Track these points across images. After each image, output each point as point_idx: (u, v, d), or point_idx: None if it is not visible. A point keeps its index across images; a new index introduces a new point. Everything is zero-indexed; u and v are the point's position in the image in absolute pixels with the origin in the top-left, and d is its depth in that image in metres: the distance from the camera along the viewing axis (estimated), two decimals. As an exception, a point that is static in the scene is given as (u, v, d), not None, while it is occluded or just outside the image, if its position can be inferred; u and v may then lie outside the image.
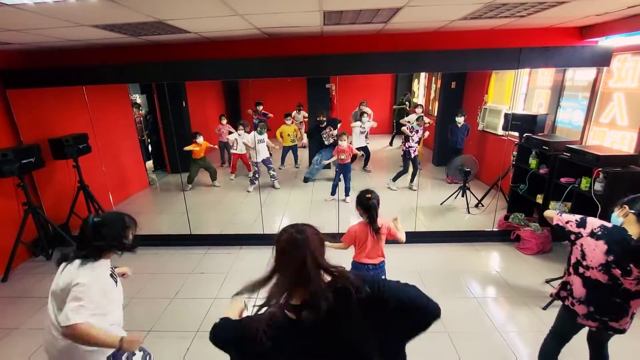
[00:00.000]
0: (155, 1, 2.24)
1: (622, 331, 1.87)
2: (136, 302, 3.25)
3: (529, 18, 3.19)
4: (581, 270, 1.86)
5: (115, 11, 2.39)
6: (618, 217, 1.90)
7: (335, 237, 4.27)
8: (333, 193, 5.56)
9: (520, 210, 4.37)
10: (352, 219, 4.94)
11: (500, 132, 5.53)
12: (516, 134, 4.61)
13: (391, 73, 9.56)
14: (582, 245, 1.83)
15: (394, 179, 5.99)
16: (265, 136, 6.02)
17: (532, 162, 4.17)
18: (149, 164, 7.51)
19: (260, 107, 7.88)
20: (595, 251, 1.77)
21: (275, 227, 4.70)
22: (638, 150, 3.31)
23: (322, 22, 3.16)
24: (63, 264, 1.66)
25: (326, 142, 6.49)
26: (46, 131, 4.27)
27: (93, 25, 2.81)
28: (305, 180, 6.57)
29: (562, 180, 3.67)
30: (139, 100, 7.46)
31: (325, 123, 6.53)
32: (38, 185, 4.19)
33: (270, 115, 7.92)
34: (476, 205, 5.14)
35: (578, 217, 1.91)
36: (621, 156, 3.26)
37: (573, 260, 1.90)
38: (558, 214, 2.01)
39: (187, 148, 5.99)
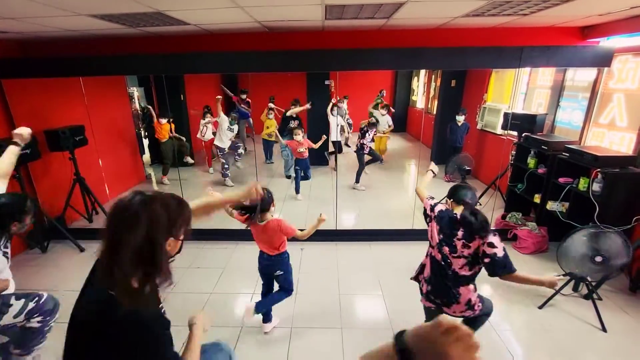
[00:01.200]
0: (155, -9, 2.20)
1: (469, 321, 2.06)
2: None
3: (531, 17, 3.17)
4: (429, 250, 2.12)
5: (115, 0, 2.35)
6: (452, 208, 2.10)
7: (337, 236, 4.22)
8: (297, 191, 5.49)
9: (518, 209, 4.38)
10: (346, 215, 4.94)
11: (499, 131, 5.53)
12: (515, 133, 4.61)
13: (392, 69, 9.51)
14: (431, 227, 2.07)
15: (357, 180, 5.98)
16: (235, 128, 6.03)
17: (531, 161, 4.17)
18: (146, 157, 7.46)
19: (244, 96, 7.75)
20: (433, 231, 2.04)
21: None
22: (637, 151, 3.32)
23: (324, 17, 3.13)
24: None
25: (291, 125, 6.29)
26: (42, 122, 4.21)
27: (91, 15, 2.76)
28: (288, 177, 6.50)
29: (560, 180, 3.67)
30: (136, 94, 7.39)
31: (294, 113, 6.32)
32: (34, 177, 4.14)
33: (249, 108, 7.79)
34: (474, 204, 5.15)
35: (434, 201, 2.17)
36: (620, 157, 3.27)
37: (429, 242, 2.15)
38: (427, 199, 2.27)
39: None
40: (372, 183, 6.20)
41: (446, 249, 1.96)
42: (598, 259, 2.68)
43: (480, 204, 5.10)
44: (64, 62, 3.77)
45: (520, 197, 4.37)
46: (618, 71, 3.58)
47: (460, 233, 1.93)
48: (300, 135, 5.18)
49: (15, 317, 1.98)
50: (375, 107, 6.99)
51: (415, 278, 2.33)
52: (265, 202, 2.32)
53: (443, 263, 1.98)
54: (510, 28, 3.80)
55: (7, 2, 2.30)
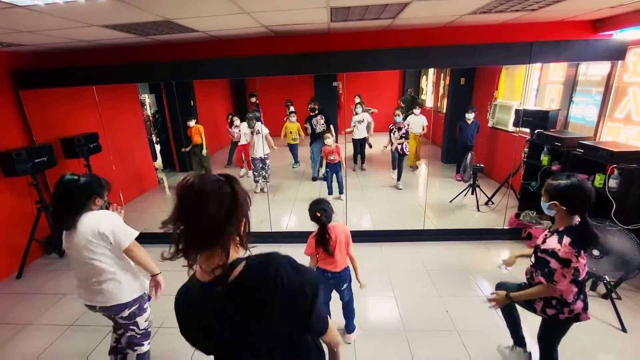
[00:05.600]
0: (164, 0, 2.25)
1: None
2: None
3: (540, 11, 3.12)
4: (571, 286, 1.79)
5: (124, 11, 2.41)
6: (552, 210, 1.80)
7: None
8: (330, 192, 5.52)
9: (532, 208, 4.29)
10: (356, 217, 4.93)
11: (510, 128, 5.44)
12: (527, 130, 4.53)
13: (399, 69, 9.46)
14: (577, 267, 1.73)
15: (398, 179, 5.98)
16: (257, 128, 5.66)
17: (544, 158, 4.09)
18: (158, 162, 7.60)
19: (254, 99, 7.78)
20: (583, 260, 1.71)
21: (282, 225, 4.71)
22: (655, 145, 3.22)
23: (329, 19, 3.14)
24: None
25: (317, 130, 6.17)
26: (58, 131, 4.35)
27: (102, 26, 2.84)
28: (314, 179, 6.53)
29: (575, 177, 3.59)
30: (148, 101, 7.54)
31: (317, 111, 6.17)
32: (50, 184, 4.26)
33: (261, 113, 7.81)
34: (486, 203, 5.08)
35: (571, 268, 1.71)
36: (637, 152, 3.17)
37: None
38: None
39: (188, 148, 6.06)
40: (381, 184, 6.17)
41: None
42: (595, 252, 2.61)
43: (493, 203, 5.03)
44: (78, 72, 3.88)
45: (534, 195, 4.27)
46: (633, 64, 3.48)
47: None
48: (330, 140, 5.13)
49: (145, 321, 2.12)
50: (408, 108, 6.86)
51: (557, 319, 1.90)
52: (329, 213, 2.25)
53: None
54: (519, 24, 3.75)
55: (22, 16, 2.38)
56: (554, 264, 1.72)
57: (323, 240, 2.26)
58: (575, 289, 1.80)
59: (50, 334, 2.85)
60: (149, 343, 2.18)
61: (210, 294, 0.94)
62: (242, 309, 0.94)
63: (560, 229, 1.77)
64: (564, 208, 1.73)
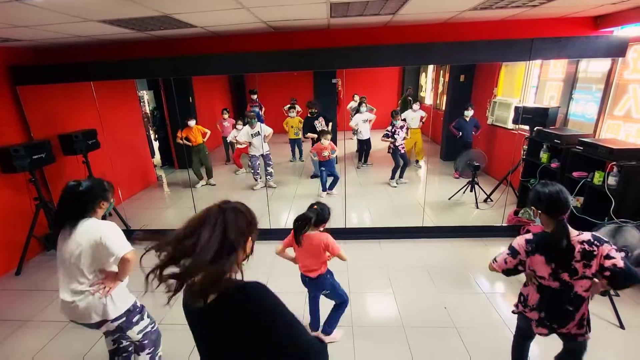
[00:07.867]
0: (161, -5, 2.23)
1: (580, 341, 1.92)
2: (145, 295, 3.28)
3: (541, 8, 3.11)
4: (530, 280, 1.89)
5: (122, 5, 2.39)
6: (536, 217, 1.89)
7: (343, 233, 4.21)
8: (324, 189, 5.56)
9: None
10: (355, 214, 4.93)
11: (510, 125, 5.43)
12: (527, 127, 4.52)
13: (399, 66, 9.43)
14: (529, 266, 1.83)
15: (392, 177, 5.99)
16: (259, 129, 5.64)
17: (543, 156, 4.09)
18: (157, 159, 7.58)
19: (255, 96, 7.76)
20: (539, 264, 1.78)
21: (281, 222, 4.71)
22: (654, 143, 3.22)
23: (329, 15, 3.12)
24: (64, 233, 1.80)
25: (319, 128, 6.14)
26: (56, 127, 4.32)
27: (100, 21, 2.82)
28: (313, 176, 6.53)
29: (575, 174, 3.59)
30: (146, 97, 7.51)
31: (316, 114, 6.18)
32: (49, 180, 4.25)
33: (263, 109, 7.76)
34: (485, 200, 5.08)
35: (505, 250, 1.88)
36: (636, 149, 3.17)
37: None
38: (492, 262, 1.92)
39: (178, 137, 5.94)
40: (381, 180, 6.17)
41: (565, 275, 1.73)
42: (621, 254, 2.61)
43: (492, 200, 5.04)
44: (76, 67, 3.85)
45: (533, 193, 4.28)
46: (633, 61, 3.47)
47: (578, 254, 1.69)
48: (327, 141, 5.20)
49: (138, 333, 2.05)
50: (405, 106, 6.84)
51: (519, 312, 2.03)
52: (320, 216, 2.18)
53: (562, 288, 1.76)
54: (519, 20, 3.73)
55: (19, 10, 2.36)
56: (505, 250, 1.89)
57: (299, 230, 2.19)
58: (536, 296, 1.87)
59: (49, 330, 2.85)
60: (148, 353, 2.09)
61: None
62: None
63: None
64: (541, 213, 1.81)
